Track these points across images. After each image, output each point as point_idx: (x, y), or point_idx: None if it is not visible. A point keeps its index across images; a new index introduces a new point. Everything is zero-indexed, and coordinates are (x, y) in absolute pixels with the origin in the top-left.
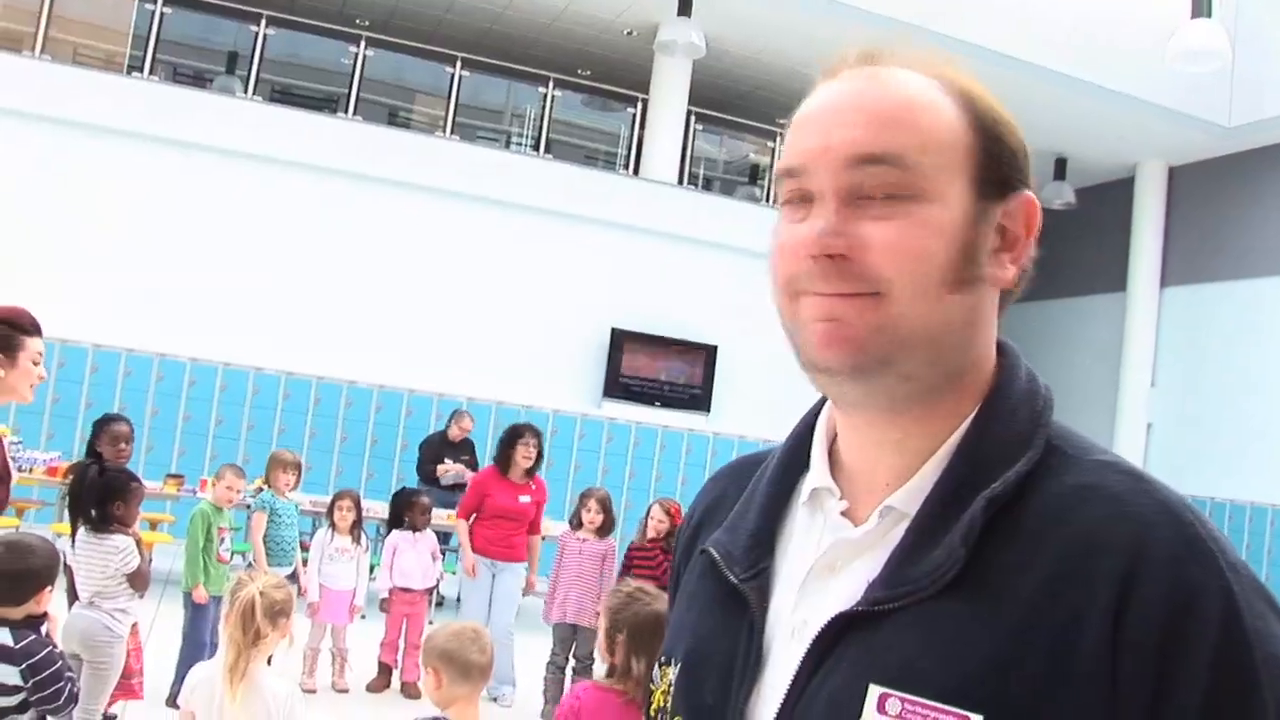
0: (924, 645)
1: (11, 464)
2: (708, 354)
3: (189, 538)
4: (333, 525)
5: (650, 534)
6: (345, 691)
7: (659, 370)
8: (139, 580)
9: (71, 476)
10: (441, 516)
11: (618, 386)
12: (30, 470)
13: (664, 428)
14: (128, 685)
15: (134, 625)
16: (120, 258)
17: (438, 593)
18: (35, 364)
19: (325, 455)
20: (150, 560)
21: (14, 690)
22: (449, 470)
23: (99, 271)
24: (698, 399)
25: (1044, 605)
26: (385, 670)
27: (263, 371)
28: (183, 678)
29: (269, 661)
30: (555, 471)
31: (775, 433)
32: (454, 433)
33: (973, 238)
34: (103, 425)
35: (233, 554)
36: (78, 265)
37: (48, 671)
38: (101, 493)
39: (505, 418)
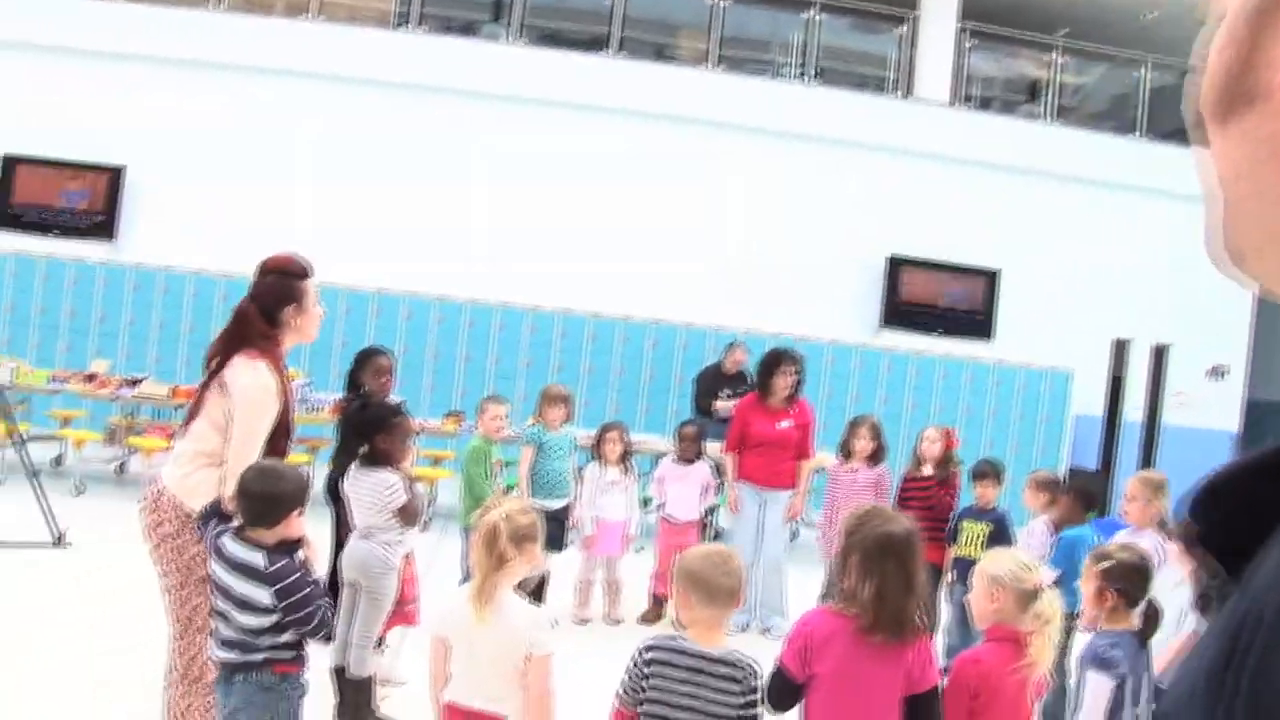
0: None
1: (300, 406)
2: (989, 279)
3: (466, 472)
4: (601, 458)
5: (924, 460)
6: (619, 623)
7: (938, 297)
8: (408, 515)
9: (340, 410)
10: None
11: (896, 314)
12: (320, 410)
13: (945, 356)
14: (403, 612)
15: (408, 555)
16: (399, 206)
17: (714, 525)
18: (317, 305)
19: (601, 391)
20: (431, 497)
21: (268, 610)
22: (722, 406)
23: (377, 220)
24: (979, 325)
25: None
26: (658, 601)
27: (539, 310)
28: None
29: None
30: (833, 403)
31: (1061, 359)
32: (728, 365)
33: None
34: (364, 359)
35: (507, 488)
36: (361, 216)
37: (299, 595)
38: (365, 427)
39: None
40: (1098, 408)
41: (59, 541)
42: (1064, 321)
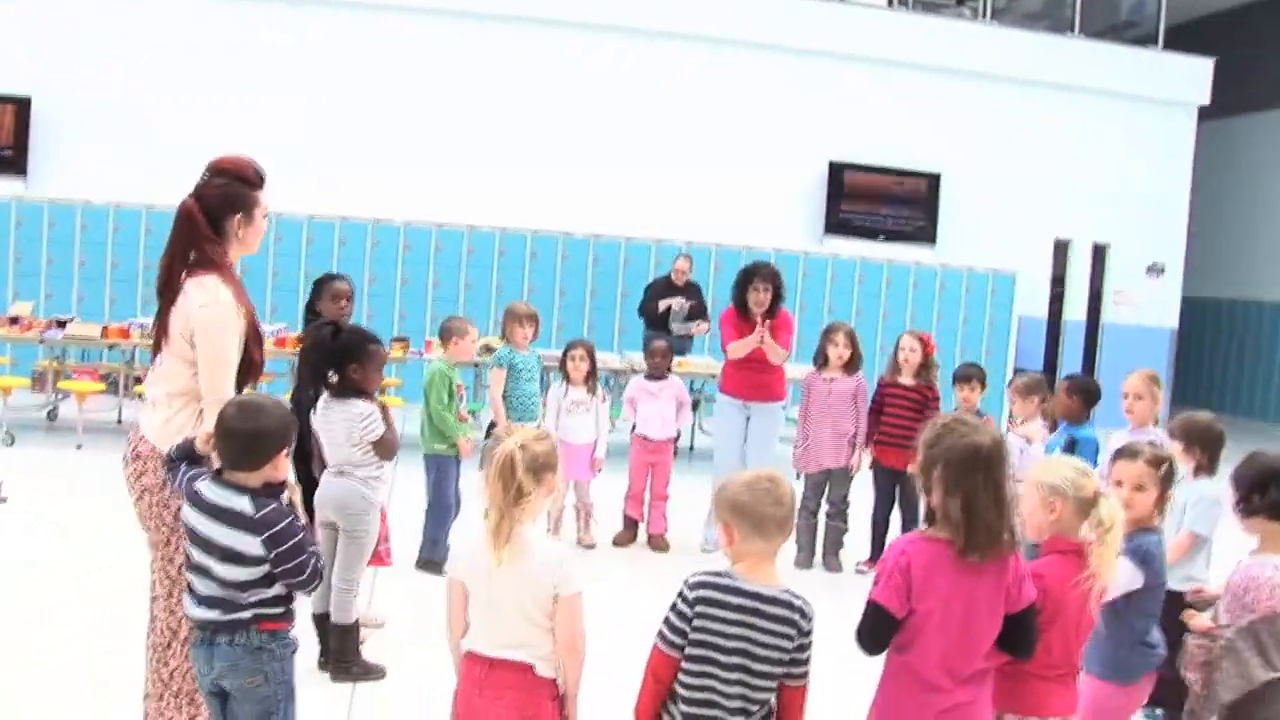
0: None
1: None
2: (931, 183)
3: (431, 398)
4: (566, 378)
5: (903, 368)
6: (592, 547)
7: (881, 203)
8: (386, 448)
9: (304, 340)
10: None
11: (839, 222)
12: (267, 340)
13: (889, 262)
14: (375, 552)
15: None
16: (337, 125)
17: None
18: (265, 218)
19: (545, 311)
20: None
21: (257, 561)
22: (668, 303)
23: (311, 141)
24: (922, 230)
25: None
26: (631, 524)
27: (477, 230)
28: (434, 538)
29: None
30: None
31: (1004, 262)
32: (675, 276)
33: None
34: (322, 284)
35: (471, 412)
36: (298, 137)
37: (290, 543)
38: (338, 355)
39: (726, 260)
40: (1041, 309)
41: None
42: (1006, 224)
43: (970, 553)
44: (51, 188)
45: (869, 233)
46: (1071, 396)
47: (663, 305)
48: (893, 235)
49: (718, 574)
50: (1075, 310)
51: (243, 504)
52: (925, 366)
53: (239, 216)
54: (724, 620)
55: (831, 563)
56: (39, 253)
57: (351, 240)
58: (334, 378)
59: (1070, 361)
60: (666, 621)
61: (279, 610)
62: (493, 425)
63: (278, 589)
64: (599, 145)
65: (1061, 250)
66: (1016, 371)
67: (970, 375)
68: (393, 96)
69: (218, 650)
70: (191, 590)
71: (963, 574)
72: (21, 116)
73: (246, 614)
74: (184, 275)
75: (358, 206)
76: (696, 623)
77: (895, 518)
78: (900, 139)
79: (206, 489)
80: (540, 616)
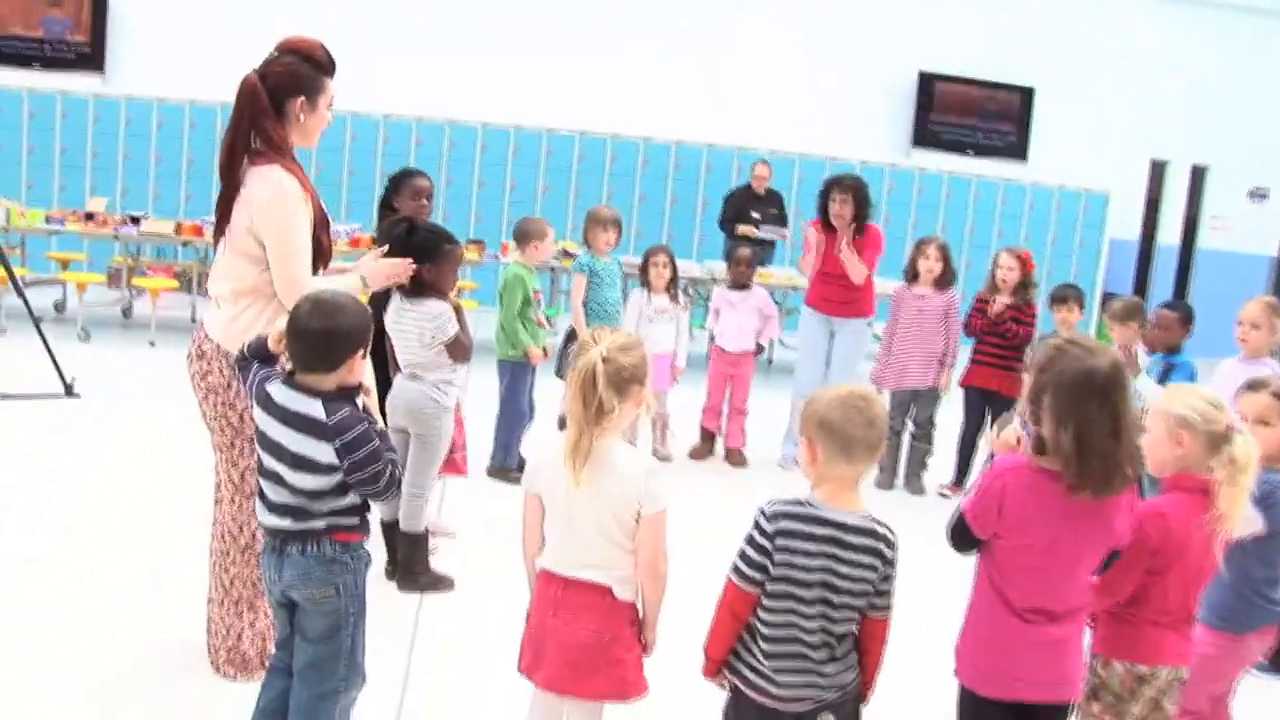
0: None
1: None
2: (1024, 97)
3: (506, 303)
4: (648, 285)
5: (1000, 287)
6: (668, 460)
7: (972, 116)
8: (458, 350)
9: (378, 236)
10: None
11: (927, 134)
12: (336, 241)
13: (978, 177)
14: (451, 460)
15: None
16: (425, 23)
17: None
18: (330, 108)
19: (624, 217)
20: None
21: (329, 469)
22: (745, 231)
23: (399, 41)
24: (1014, 146)
25: None
26: (708, 436)
27: (556, 133)
28: (505, 445)
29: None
30: None
31: (1097, 181)
32: (755, 185)
33: None
34: (402, 179)
35: (548, 317)
36: (384, 36)
37: (364, 450)
38: (413, 253)
39: (809, 170)
40: (1133, 232)
41: (69, 391)
42: (1101, 142)
43: (1081, 488)
44: (129, 84)
45: (958, 147)
46: (1166, 323)
47: (743, 232)
48: (982, 150)
49: (797, 502)
50: (1169, 234)
51: (315, 408)
52: (1024, 285)
53: (302, 100)
54: (805, 553)
55: (914, 485)
56: (115, 149)
57: (429, 140)
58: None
59: (1162, 287)
60: (743, 555)
61: (354, 521)
62: (572, 333)
63: (352, 498)
64: (682, 49)
65: (1158, 171)
66: (1107, 295)
67: (1067, 296)
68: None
69: (289, 560)
70: (263, 496)
71: (1069, 511)
72: (99, 12)
73: (320, 523)
74: (246, 162)
75: (435, 106)
76: (778, 557)
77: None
78: (994, 50)
79: (277, 391)
80: (621, 536)
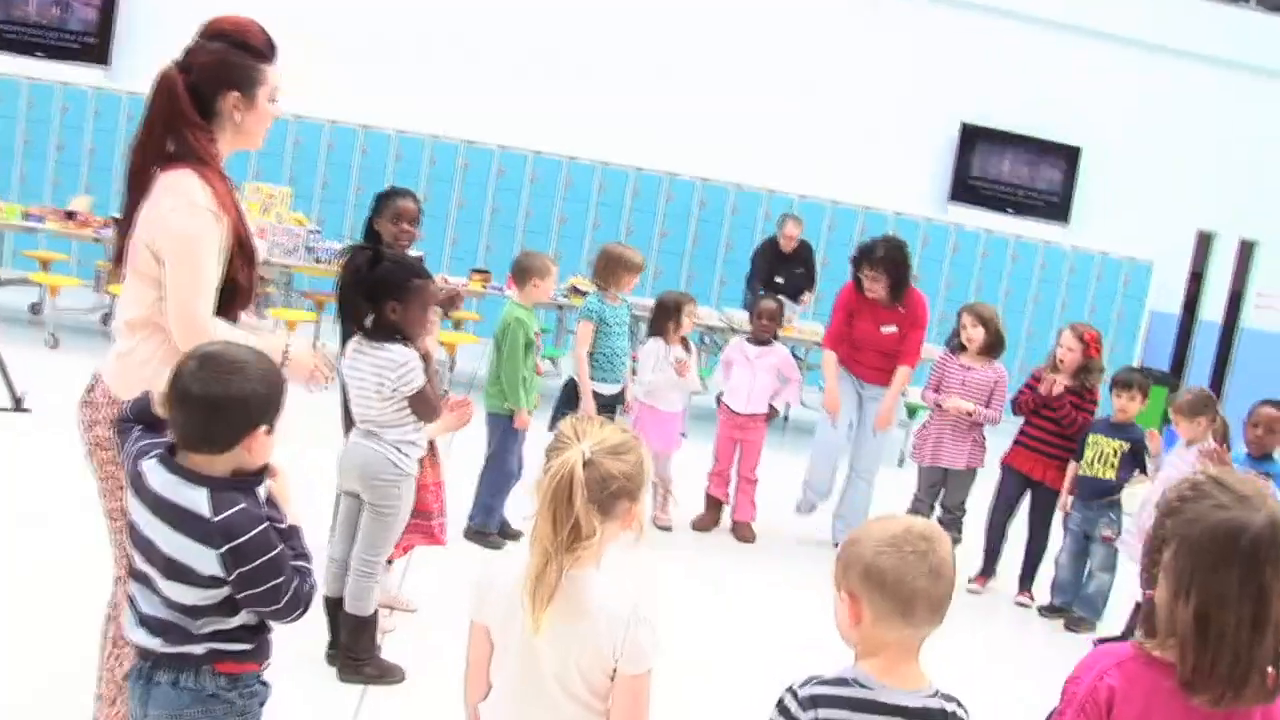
0: None
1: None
2: (1070, 156)
3: (508, 351)
4: (665, 334)
5: (1060, 367)
6: (668, 529)
7: (1014, 173)
8: (424, 406)
9: (341, 268)
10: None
11: (966, 189)
12: (330, 262)
13: (1017, 238)
14: (426, 528)
15: (430, 452)
16: (425, 34)
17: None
18: (273, 101)
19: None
20: (447, 370)
21: (212, 582)
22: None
23: (397, 51)
24: (1056, 207)
25: None
26: (714, 505)
27: (577, 160)
28: (487, 507)
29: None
30: None
31: (1142, 250)
32: (783, 243)
33: None
34: (386, 200)
35: (549, 358)
36: (383, 44)
37: (260, 560)
38: (374, 289)
39: (841, 219)
40: (1174, 304)
41: (18, 405)
42: (1148, 208)
43: (1197, 690)
44: (134, 79)
45: (998, 204)
46: (1272, 423)
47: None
48: (1023, 209)
49: (841, 682)
50: (1212, 310)
51: (198, 500)
52: (1086, 369)
53: (235, 95)
54: None
55: None
56: (115, 147)
57: (441, 160)
58: (370, 317)
59: (1201, 365)
60: None
61: (244, 647)
62: (572, 384)
63: (244, 617)
64: (715, 83)
65: (1204, 243)
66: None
67: (1131, 382)
68: (497, 14)
69: (156, 691)
70: (133, 604)
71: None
72: (107, 3)
73: (199, 648)
74: (157, 170)
75: (451, 125)
76: None
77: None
78: (1041, 105)
79: (153, 472)
80: (589, 696)
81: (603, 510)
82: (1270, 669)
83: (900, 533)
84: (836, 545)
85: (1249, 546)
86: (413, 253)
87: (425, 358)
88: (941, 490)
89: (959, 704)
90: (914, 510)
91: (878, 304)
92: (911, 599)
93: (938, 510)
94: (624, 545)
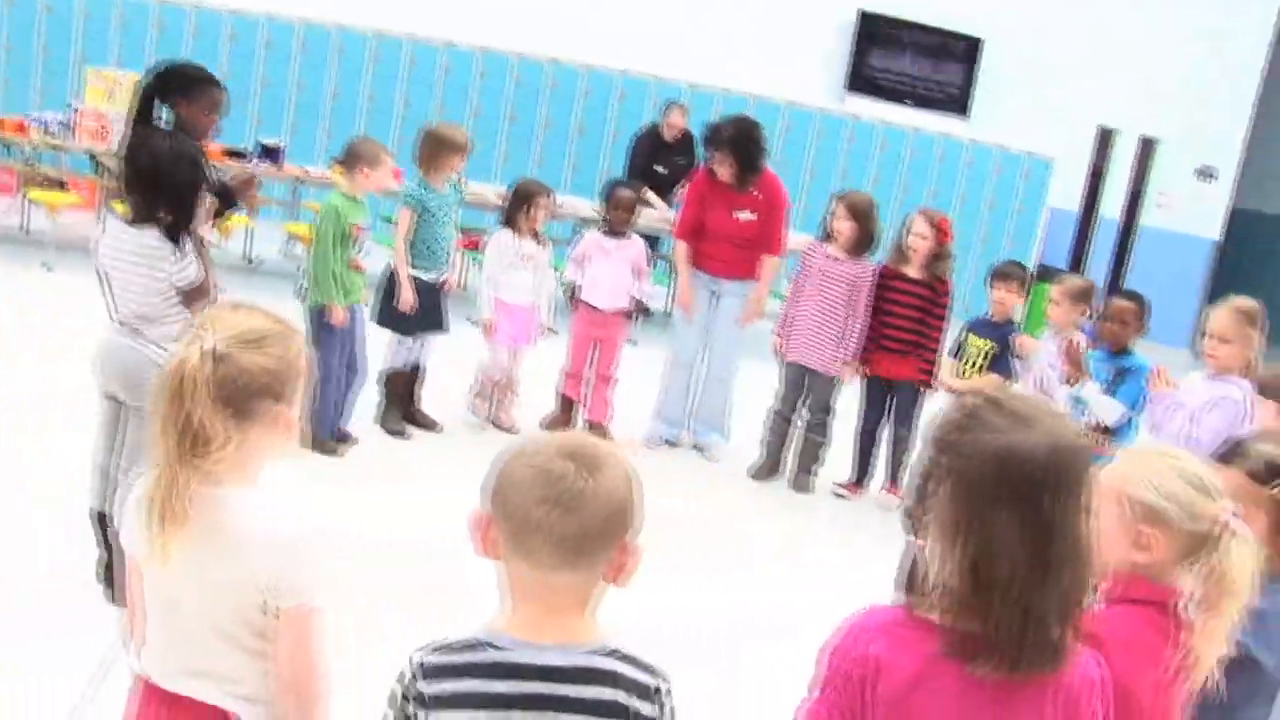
0: None
1: None
2: (971, 48)
3: (317, 241)
4: (516, 226)
5: (910, 255)
6: (511, 430)
7: (914, 64)
8: (197, 297)
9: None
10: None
11: (864, 80)
12: None
13: (915, 130)
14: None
15: None
16: None
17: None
18: None
19: (524, 144)
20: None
21: None
22: (650, 199)
23: None
24: (956, 101)
25: None
26: (568, 405)
27: (455, 47)
28: (318, 416)
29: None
30: (787, 175)
31: (1044, 145)
32: (668, 131)
33: None
34: (200, 85)
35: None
36: None
37: None
38: (147, 173)
39: (732, 109)
40: (1074, 202)
41: None
42: (1048, 104)
43: (972, 656)
44: None
45: (896, 95)
46: (1124, 315)
47: (648, 196)
48: (923, 101)
49: (469, 645)
50: (1111, 207)
51: None
52: (938, 257)
53: None
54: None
55: (803, 481)
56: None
57: (278, 41)
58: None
59: (1099, 263)
60: None
61: None
62: (393, 275)
63: None
64: None
65: (1105, 140)
66: (1043, 269)
67: (1012, 274)
68: None
69: None
70: None
71: (971, 692)
72: None
73: None
74: None
75: (289, 5)
76: None
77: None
78: None
79: None
80: (250, 637)
81: (239, 414)
82: (1063, 628)
83: (547, 447)
84: (697, 449)
85: (1023, 473)
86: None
87: (201, 244)
88: (805, 391)
89: (646, 667)
90: (777, 412)
91: (731, 190)
92: (526, 531)
93: (803, 414)
94: None
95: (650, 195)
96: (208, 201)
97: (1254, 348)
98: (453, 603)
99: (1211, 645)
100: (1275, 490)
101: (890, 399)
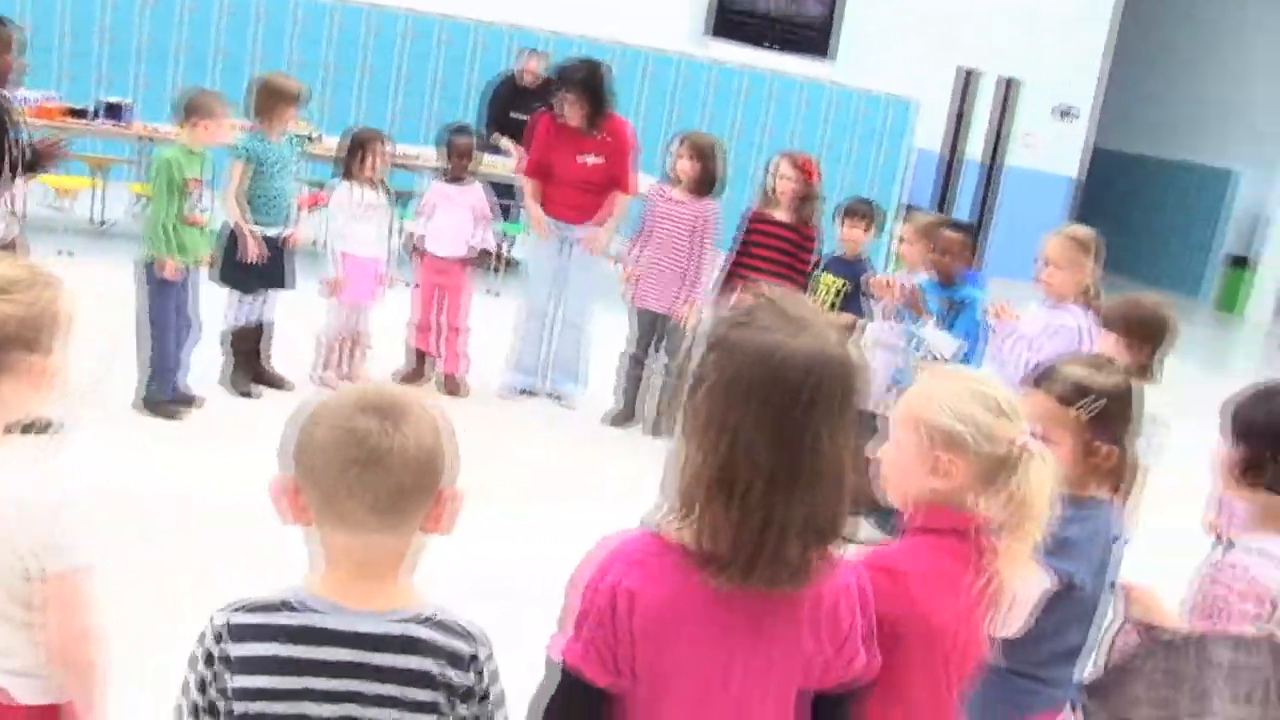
0: None
1: None
2: None
3: (153, 195)
4: (353, 175)
5: (776, 198)
6: None
7: (776, 6)
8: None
9: None
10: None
11: (726, 23)
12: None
13: (778, 74)
14: None
15: None
16: None
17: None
18: None
19: (381, 98)
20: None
21: None
22: (504, 145)
23: None
24: (819, 43)
25: None
26: (419, 358)
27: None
28: (153, 374)
29: None
30: (649, 121)
31: (908, 87)
32: (523, 77)
33: None
34: None
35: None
36: None
37: None
38: None
39: (592, 55)
40: (938, 143)
41: None
42: (910, 46)
43: (718, 571)
44: None
45: (759, 38)
46: (949, 245)
47: (501, 142)
48: (786, 44)
49: (274, 606)
50: (975, 148)
51: None
52: (805, 199)
53: None
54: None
55: (660, 425)
56: None
57: None
58: None
59: (965, 203)
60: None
61: None
62: (234, 234)
63: None
64: None
65: (967, 81)
66: (910, 209)
67: (859, 211)
68: None
69: None
70: None
71: (724, 615)
72: None
73: None
74: None
75: None
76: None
77: None
78: None
79: None
80: (15, 608)
81: None
82: (805, 546)
83: (346, 404)
84: (554, 398)
85: (778, 375)
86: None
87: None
88: (661, 335)
89: (462, 634)
90: (630, 355)
91: (577, 134)
92: (337, 495)
93: (662, 358)
94: None
95: (506, 143)
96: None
97: (1087, 274)
98: (296, 561)
99: (1014, 568)
100: (1080, 412)
101: None
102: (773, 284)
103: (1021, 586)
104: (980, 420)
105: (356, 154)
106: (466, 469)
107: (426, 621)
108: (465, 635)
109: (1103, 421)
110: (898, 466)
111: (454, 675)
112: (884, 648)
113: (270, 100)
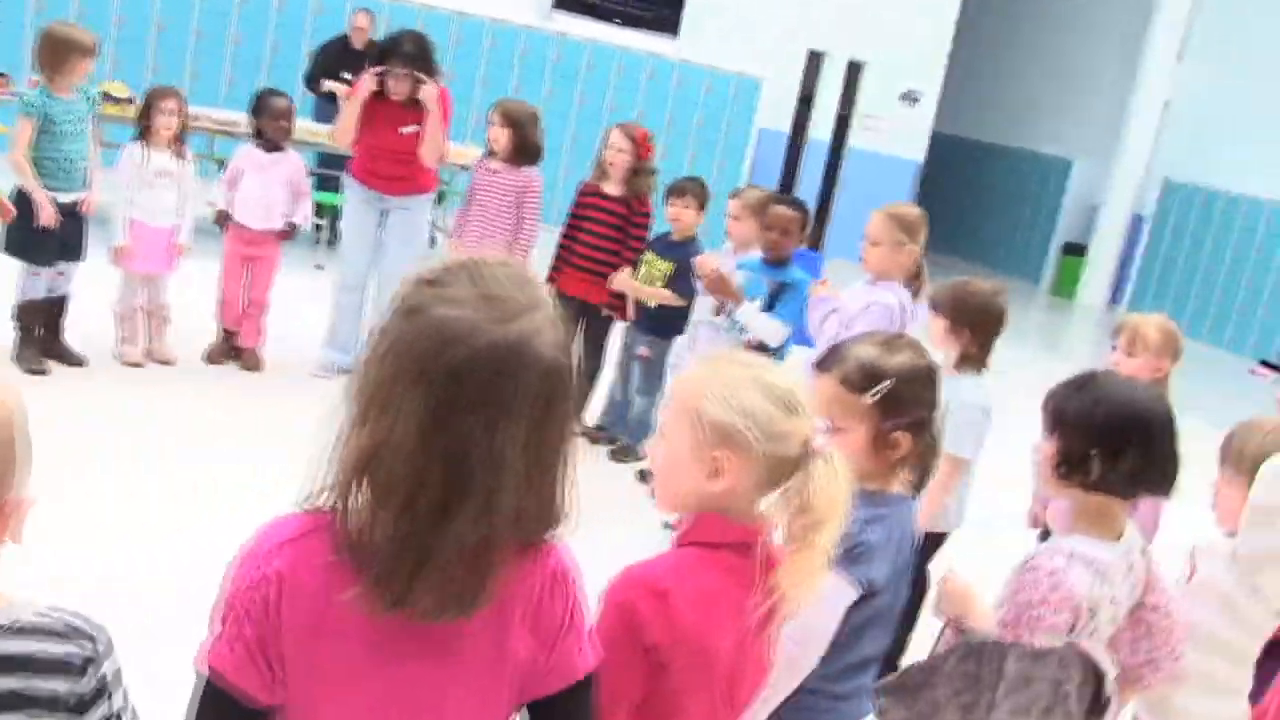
0: None
1: None
2: None
3: None
4: (147, 138)
5: (608, 171)
6: (168, 363)
7: None
8: None
9: None
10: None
11: None
12: None
13: (623, 49)
14: None
15: None
16: None
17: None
18: None
19: (214, 63)
20: None
21: None
22: (332, 87)
23: None
24: (666, 20)
25: None
26: (227, 335)
27: None
28: None
29: None
30: (490, 94)
31: (753, 66)
32: (355, 38)
33: None
34: None
35: None
36: None
37: None
38: None
39: (432, 25)
40: (784, 123)
41: None
42: (757, 26)
43: (375, 592)
44: None
45: (605, 13)
46: (781, 222)
47: (325, 88)
48: (632, 20)
49: None
50: (821, 129)
51: None
52: (636, 172)
53: None
54: None
55: None
56: None
57: None
58: None
59: (809, 183)
60: None
61: None
62: (22, 196)
63: None
64: None
65: (814, 62)
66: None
67: (685, 189)
68: None
69: None
70: None
71: (390, 637)
72: None
73: None
74: None
75: None
76: None
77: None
78: None
79: None
80: None
81: None
82: (467, 569)
83: None
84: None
85: (450, 355)
86: None
87: None
88: None
89: (63, 634)
90: None
91: (397, 105)
92: None
93: None
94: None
95: (337, 86)
96: None
97: (906, 253)
98: None
99: (802, 582)
100: (871, 399)
101: (581, 325)
102: (601, 258)
103: (814, 605)
104: (762, 415)
105: (147, 112)
106: (261, 450)
107: (15, 630)
108: (66, 634)
109: (895, 406)
110: (669, 466)
111: (59, 686)
112: (650, 674)
113: (59, 52)
